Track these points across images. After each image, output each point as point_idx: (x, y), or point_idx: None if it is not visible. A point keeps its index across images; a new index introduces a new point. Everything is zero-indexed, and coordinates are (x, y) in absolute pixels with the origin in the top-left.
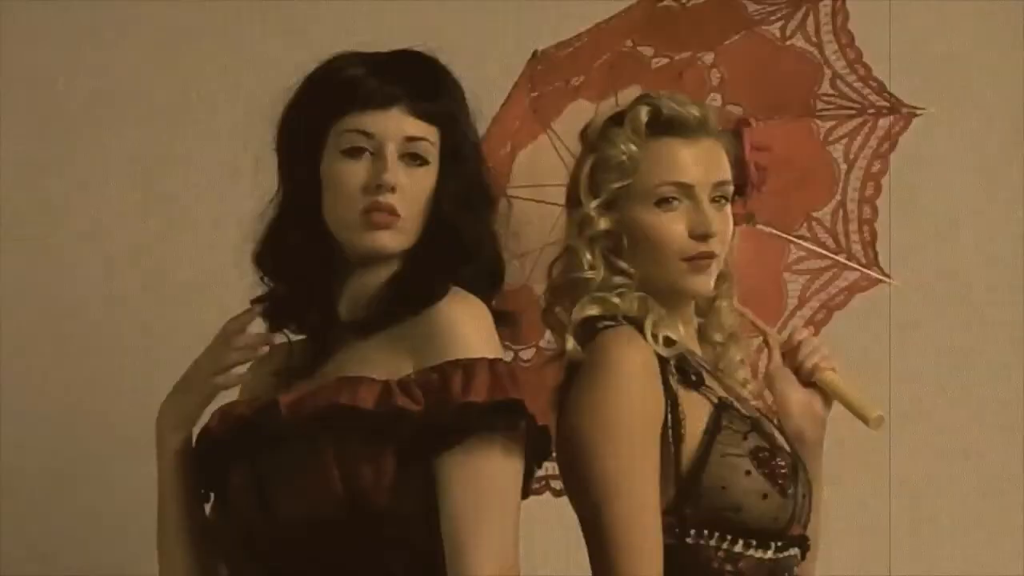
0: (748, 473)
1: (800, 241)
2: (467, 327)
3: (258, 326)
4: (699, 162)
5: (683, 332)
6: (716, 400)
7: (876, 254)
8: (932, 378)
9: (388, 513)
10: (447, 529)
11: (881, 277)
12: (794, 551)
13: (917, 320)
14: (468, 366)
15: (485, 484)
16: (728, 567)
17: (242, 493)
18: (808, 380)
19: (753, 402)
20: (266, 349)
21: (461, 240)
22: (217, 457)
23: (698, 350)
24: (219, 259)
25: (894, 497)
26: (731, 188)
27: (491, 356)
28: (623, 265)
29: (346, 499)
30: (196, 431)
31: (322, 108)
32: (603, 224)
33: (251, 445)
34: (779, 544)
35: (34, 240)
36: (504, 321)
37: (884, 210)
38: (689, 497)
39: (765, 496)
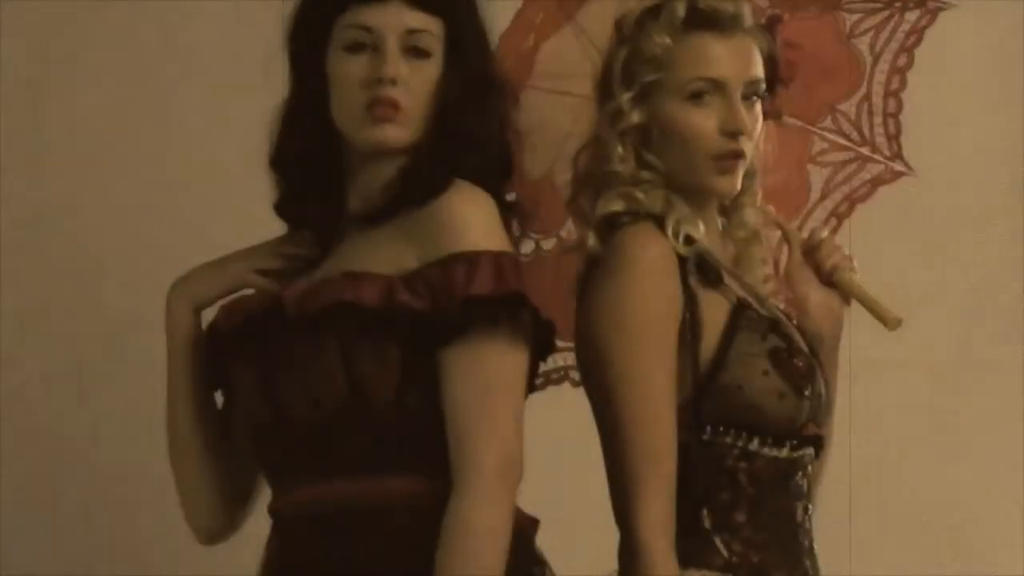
0: (765, 373)
1: (824, 133)
2: (471, 220)
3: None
4: (733, 58)
5: (706, 230)
6: (735, 300)
7: (900, 147)
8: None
9: (392, 408)
10: (451, 422)
11: (904, 170)
12: (808, 450)
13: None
14: (472, 259)
15: (488, 377)
16: (743, 464)
17: (248, 388)
18: (828, 280)
19: (772, 301)
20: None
21: (467, 132)
22: (223, 352)
23: (721, 248)
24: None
25: None
26: (763, 86)
27: (495, 249)
28: (652, 159)
29: (350, 395)
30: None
31: (325, 5)
32: (635, 117)
33: (256, 340)
34: (794, 443)
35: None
36: (513, 212)
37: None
38: (705, 395)
39: (782, 396)
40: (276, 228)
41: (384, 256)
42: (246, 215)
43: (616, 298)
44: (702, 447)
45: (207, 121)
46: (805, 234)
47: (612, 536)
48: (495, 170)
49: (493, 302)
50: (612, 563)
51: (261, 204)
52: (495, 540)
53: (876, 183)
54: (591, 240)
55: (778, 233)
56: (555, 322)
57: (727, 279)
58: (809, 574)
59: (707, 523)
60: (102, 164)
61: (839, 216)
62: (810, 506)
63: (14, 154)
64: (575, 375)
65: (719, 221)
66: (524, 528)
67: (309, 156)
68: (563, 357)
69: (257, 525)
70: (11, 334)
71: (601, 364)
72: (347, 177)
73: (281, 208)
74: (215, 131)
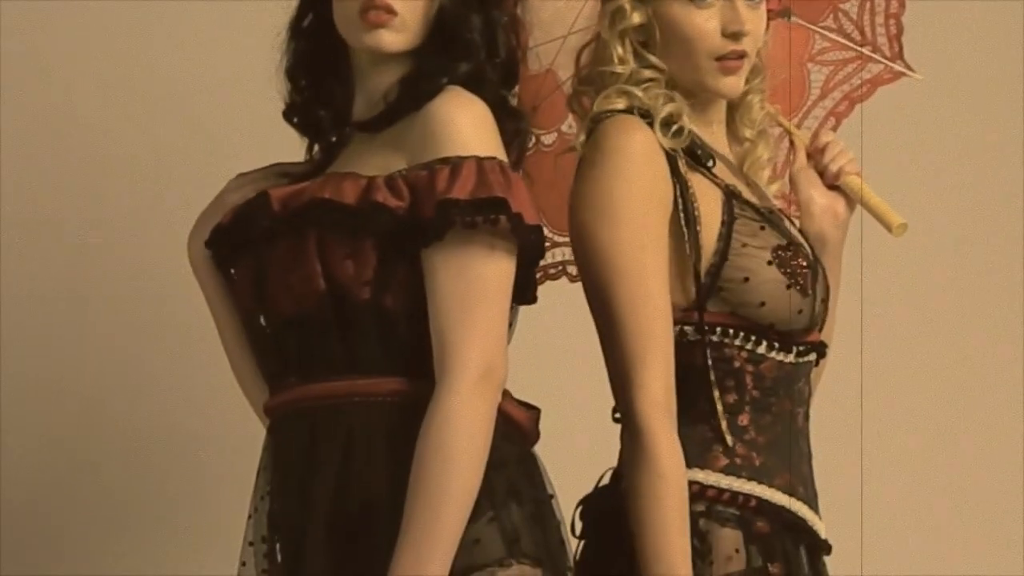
0: (770, 263)
1: (825, 32)
2: (460, 125)
3: None
4: None
5: (710, 131)
6: (724, 186)
7: (901, 47)
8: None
9: (370, 308)
10: (434, 324)
11: (905, 71)
12: (812, 357)
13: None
14: (456, 164)
15: (470, 280)
16: (749, 368)
17: (242, 286)
18: (832, 183)
19: (775, 201)
20: None
21: (464, 38)
22: (227, 249)
23: (726, 149)
24: None
25: None
26: None
27: (483, 155)
28: (653, 60)
29: (328, 293)
30: None
31: None
32: (636, 18)
33: (249, 238)
34: (800, 349)
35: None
36: (512, 118)
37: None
38: (711, 292)
39: (788, 289)
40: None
41: (377, 161)
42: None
43: (599, 187)
44: (710, 349)
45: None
46: (805, 133)
47: (611, 430)
48: (496, 76)
49: (471, 205)
50: (611, 456)
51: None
52: (475, 439)
53: (876, 83)
54: (580, 138)
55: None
56: (552, 218)
57: (719, 167)
58: (808, 479)
59: (711, 425)
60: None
61: (837, 116)
62: (809, 412)
63: None
64: (572, 269)
65: (723, 126)
66: (520, 420)
67: (318, 64)
68: (561, 252)
69: None
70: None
71: (590, 253)
72: (355, 85)
73: (290, 114)
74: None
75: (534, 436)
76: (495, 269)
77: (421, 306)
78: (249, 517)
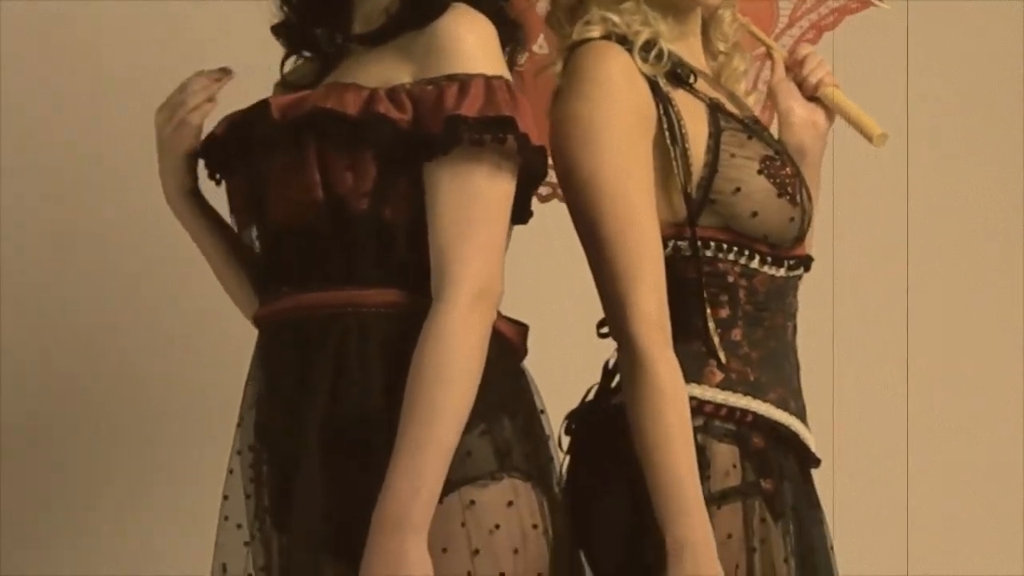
0: (759, 173)
1: None
2: (469, 42)
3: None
4: None
5: (687, 48)
6: (708, 100)
7: None
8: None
9: (368, 219)
10: (433, 239)
11: (873, 0)
12: (800, 271)
13: None
14: (464, 81)
15: (473, 197)
16: (743, 282)
17: (237, 196)
18: (811, 94)
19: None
20: (226, 79)
21: None
22: (221, 158)
23: (703, 63)
24: None
25: None
26: None
27: (490, 73)
28: None
29: (326, 204)
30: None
31: None
32: None
33: (247, 148)
34: (790, 262)
35: None
36: (511, 32)
37: None
38: (703, 206)
39: (779, 198)
40: None
41: (377, 73)
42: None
43: (579, 115)
44: (704, 264)
45: None
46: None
47: (596, 346)
48: None
49: (479, 123)
50: (596, 372)
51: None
52: (471, 356)
53: (843, 12)
54: (557, 67)
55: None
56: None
57: (700, 83)
58: (798, 392)
59: (706, 341)
60: None
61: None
62: (796, 326)
63: None
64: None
65: (699, 39)
66: (510, 336)
67: None
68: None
69: None
70: None
71: (575, 182)
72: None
73: (283, 30)
74: None
75: (523, 352)
76: (498, 188)
77: (420, 220)
78: (238, 425)
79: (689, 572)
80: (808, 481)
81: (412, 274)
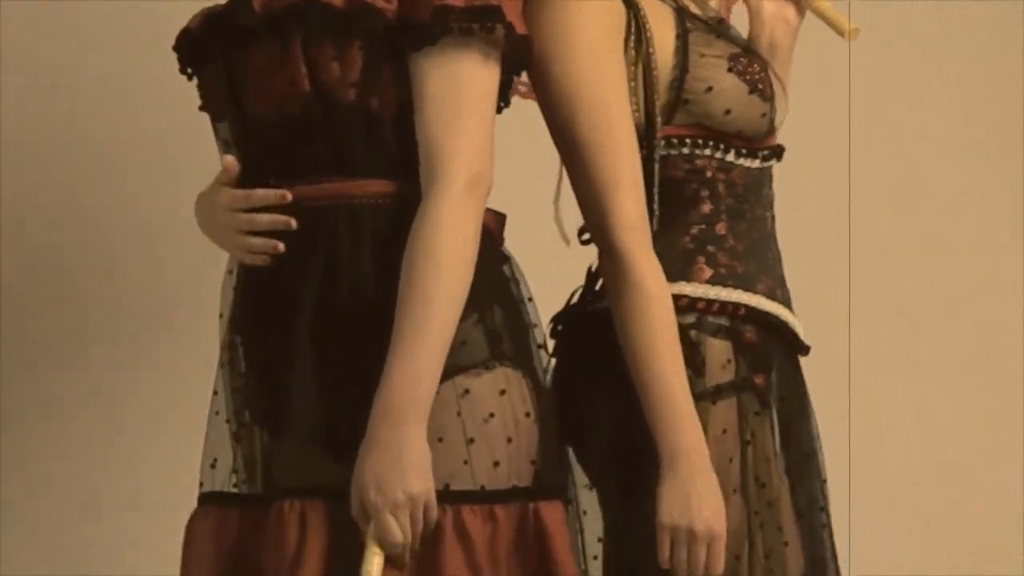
0: (729, 71)
1: None
2: None
3: None
4: None
5: None
6: (674, 4)
7: None
8: None
9: (355, 110)
10: (421, 130)
11: None
12: (774, 161)
13: None
14: None
15: (461, 87)
16: (721, 176)
17: (212, 89)
18: None
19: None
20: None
21: None
22: (195, 53)
23: None
24: None
25: None
26: None
27: None
28: None
29: (313, 95)
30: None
31: None
32: None
33: (225, 40)
34: (764, 154)
35: None
36: None
37: None
38: (677, 106)
39: (750, 93)
40: None
41: None
42: None
43: (552, 23)
44: (682, 161)
45: None
46: None
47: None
48: None
49: (467, 12)
50: (579, 275)
51: None
52: (464, 244)
53: None
54: None
55: None
56: None
57: None
58: (783, 281)
59: (691, 238)
60: None
61: None
62: (774, 215)
63: None
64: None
65: None
66: (490, 224)
67: None
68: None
69: None
70: None
71: (550, 88)
72: None
73: None
74: None
75: (500, 240)
76: (486, 77)
77: (407, 110)
78: (220, 317)
79: (684, 479)
80: (797, 371)
81: (401, 165)
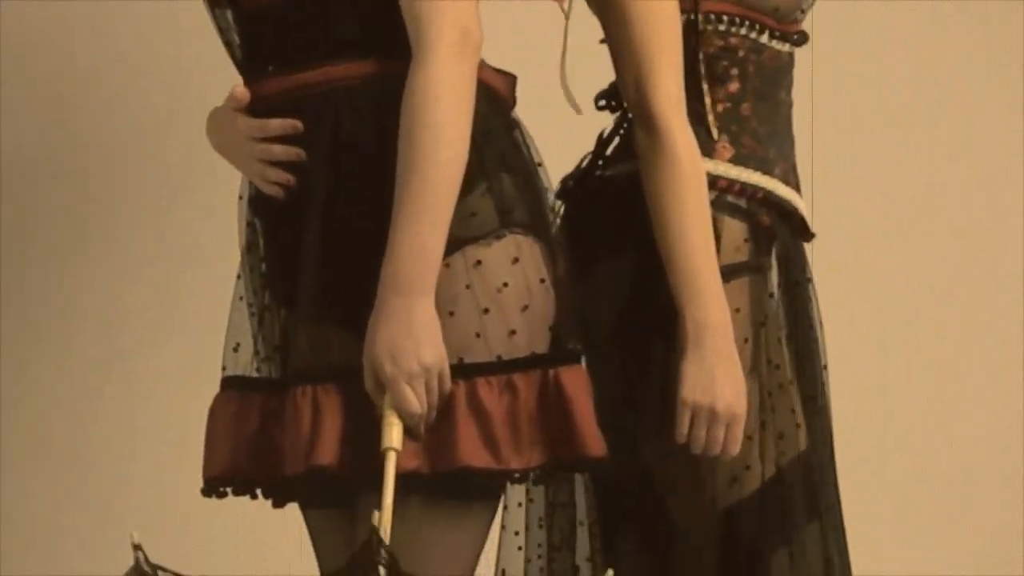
0: None
1: None
2: None
3: None
4: None
5: None
6: None
7: None
8: None
9: None
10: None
11: None
12: (798, 47)
13: None
14: None
15: None
16: (752, 57)
17: None
18: None
19: None
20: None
21: None
22: None
23: None
24: None
25: None
26: None
27: None
28: None
29: None
30: None
31: None
32: None
33: None
34: (794, 38)
35: None
36: None
37: None
38: None
39: None
40: None
41: None
42: None
43: None
44: (716, 38)
45: None
46: None
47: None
48: None
49: None
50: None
51: None
52: (459, 102)
53: None
54: None
55: None
56: None
57: None
58: (795, 166)
59: (716, 116)
60: None
61: None
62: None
63: None
64: None
65: None
66: (498, 87)
67: None
68: None
69: None
70: None
71: None
72: None
73: None
74: None
75: (512, 102)
76: None
77: None
78: (240, 198)
79: (708, 357)
80: (803, 257)
81: (391, 41)
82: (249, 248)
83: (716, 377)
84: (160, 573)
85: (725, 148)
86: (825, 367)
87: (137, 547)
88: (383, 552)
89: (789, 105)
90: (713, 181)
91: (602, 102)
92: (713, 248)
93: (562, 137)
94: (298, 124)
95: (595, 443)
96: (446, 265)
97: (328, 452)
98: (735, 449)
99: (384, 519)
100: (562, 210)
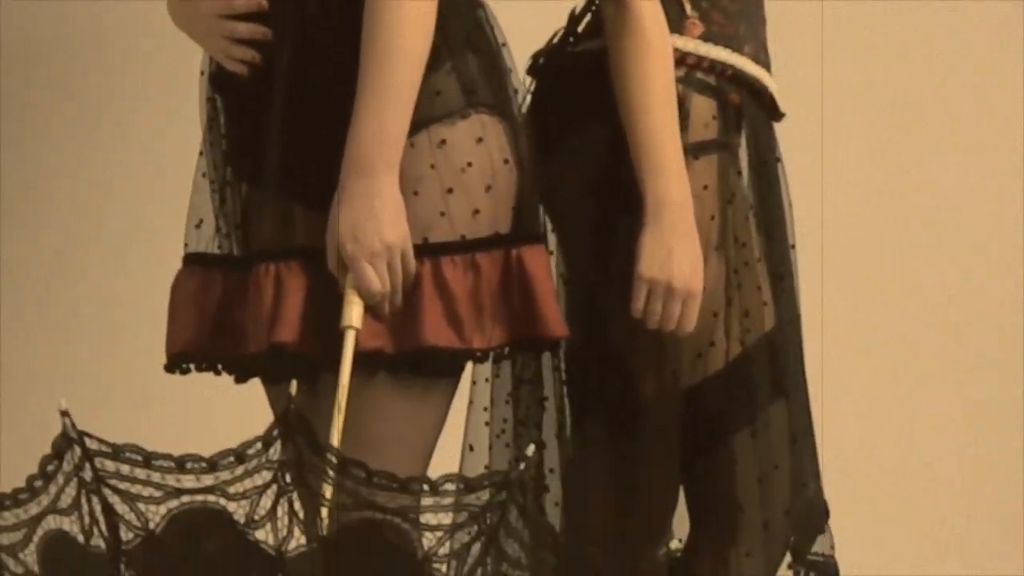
0: None
1: None
2: None
3: None
4: None
5: None
6: None
7: None
8: None
9: None
10: None
11: None
12: None
13: None
14: None
15: None
16: None
17: None
18: None
19: None
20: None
21: None
22: None
23: None
24: None
25: None
26: None
27: None
28: None
29: None
30: None
31: None
32: None
33: None
34: None
35: None
36: None
37: None
38: None
39: None
40: None
41: None
42: None
43: None
44: None
45: None
46: None
47: None
48: None
49: None
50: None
51: None
52: None
53: None
54: None
55: None
56: None
57: None
58: (766, 45)
59: None
60: None
61: None
62: None
63: None
64: None
65: None
66: None
67: None
68: None
69: None
70: None
71: None
72: None
73: None
74: None
75: None
76: None
77: None
78: (201, 74)
79: (666, 233)
80: (772, 136)
81: None
82: (210, 124)
83: (673, 253)
84: (87, 440)
85: (695, 25)
86: (793, 247)
87: (64, 413)
88: (300, 423)
89: None
90: (682, 58)
91: None
92: (677, 125)
93: (534, 16)
94: (263, 1)
95: (556, 323)
96: (411, 144)
97: (290, 329)
98: (690, 326)
99: (340, 396)
100: (533, 86)
